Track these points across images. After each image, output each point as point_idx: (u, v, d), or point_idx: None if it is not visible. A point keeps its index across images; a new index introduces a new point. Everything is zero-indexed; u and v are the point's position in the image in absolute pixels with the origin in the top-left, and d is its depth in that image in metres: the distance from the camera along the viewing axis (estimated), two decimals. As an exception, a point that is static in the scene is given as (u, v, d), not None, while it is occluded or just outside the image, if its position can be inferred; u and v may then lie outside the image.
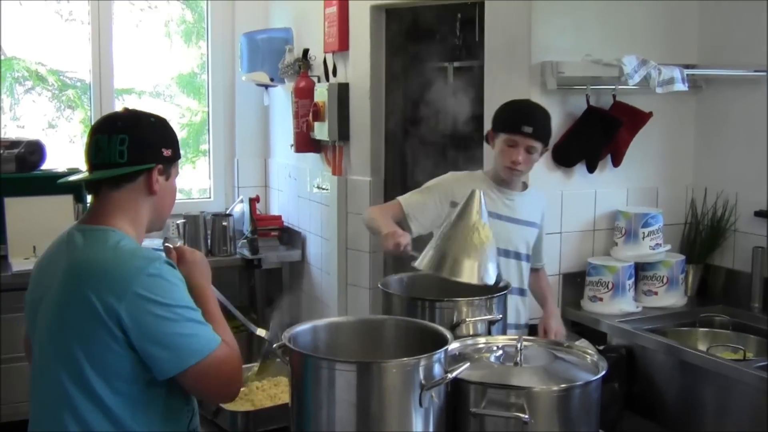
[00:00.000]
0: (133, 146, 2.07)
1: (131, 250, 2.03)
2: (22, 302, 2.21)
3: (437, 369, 1.98)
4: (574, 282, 3.95)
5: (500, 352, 2.31)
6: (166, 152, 2.13)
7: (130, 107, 2.21)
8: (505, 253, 3.20)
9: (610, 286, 3.79)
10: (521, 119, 3.18)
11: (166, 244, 2.20)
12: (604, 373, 2.17)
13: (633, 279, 3.87)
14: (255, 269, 5.41)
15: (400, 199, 3.30)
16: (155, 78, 6.19)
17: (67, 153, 5.70)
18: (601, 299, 3.83)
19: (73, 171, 4.66)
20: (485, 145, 3.97)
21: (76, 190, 4.81)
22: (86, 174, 2.12)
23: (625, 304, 3.81)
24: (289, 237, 5.68)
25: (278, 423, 2.40)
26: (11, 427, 4.59)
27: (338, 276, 4.84)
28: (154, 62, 6.10)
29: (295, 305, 5.43)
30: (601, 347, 3.70)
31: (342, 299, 4.81)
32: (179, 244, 2.23)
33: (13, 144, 5.14)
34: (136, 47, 5.94)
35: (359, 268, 4.72)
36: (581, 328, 3.88)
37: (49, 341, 2.04)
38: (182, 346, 1.96)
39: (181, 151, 2.24)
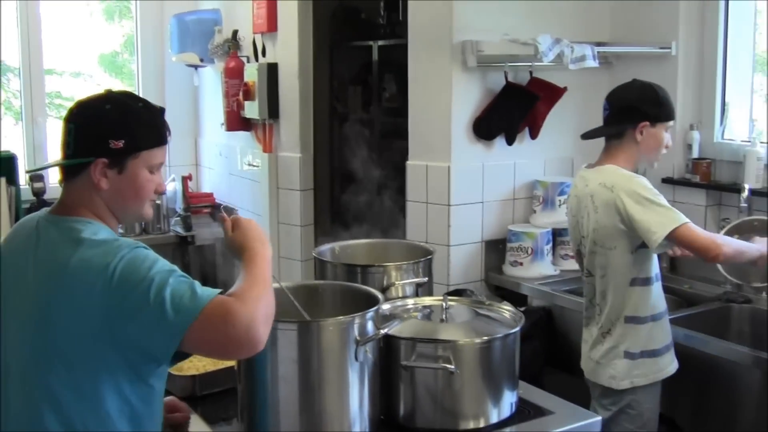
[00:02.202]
0: (77, 137, 1.98)
1: (98, 242, 1.90)
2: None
3: (370, 326, 2.16)
4: (496, 248, 4.17)
5: (427, 310, 2.52)
6: (115, 144, 1.95)
7: (114, 90, 2.08)
8: None
9: (529, 251, 4.02)
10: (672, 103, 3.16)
11: (221, 214, 2.20)
12: (521, 325, 2.38)
13: (551, 244, 4.10)
14: (189, 245, 5.52)
15: (687, 221, 2.91)
16: (79, 58, 6.12)
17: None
18: (521, 264, 4.05)
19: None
20: (411, 123, 4.16)
21: (8, 173, 4.83)
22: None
23: (544, 267, 4.04)
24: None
25: (224, 385, 2.55)
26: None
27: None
28: (77, 41, 6.04)
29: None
30: (522, 309, 3.93)
31: (275, 271, 4.93)
32: (234, 214, 2.20)
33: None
34: (57, 26, 5.86)
35: (291, 240, 4.89)
36: (503, 291, 4.10)
37: (31, 342, 1.91)
38: (165, 323, 1.81)
39: (165, 138, 2.06)
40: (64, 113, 2.10)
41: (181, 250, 5.63)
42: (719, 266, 3.35)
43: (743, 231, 3.22)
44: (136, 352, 1.87)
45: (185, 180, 5.67)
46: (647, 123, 3.05)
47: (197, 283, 1.87)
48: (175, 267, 1.91)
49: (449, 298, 2.51)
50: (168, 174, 6.05)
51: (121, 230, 5.42)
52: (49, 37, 5.79)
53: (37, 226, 2.02)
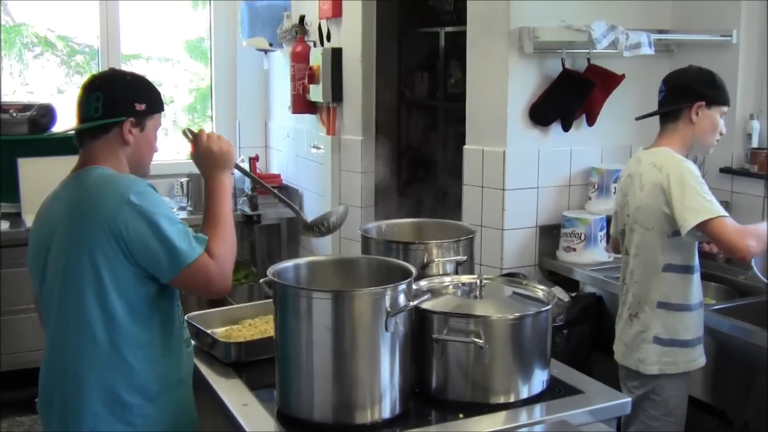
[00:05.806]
0: (106, 102, 2.34)
1: (115, 175, 2.30)
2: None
3: (401, 298, 2.24)
4: (551, 234, 4.21)
5: (463, 287, 2.59)
6: (139, 106, 2.36)
7: (120, 68, 2.45)
8: None
9: (582, 237, 4.05)
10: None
11: (187, 129, 2.50)
12: (551, 305, 2.44)
13: (604, 230, 4.09)
14: (255, 225, 5.67)
15: (723, 215, 2.90)
16: (163, 43, 6.33)
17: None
18: (574, 249, 4.08)
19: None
20: (469, 108, 4.21)
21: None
22: (70, 128, 2.44)
23: (597, 254, 4.06)
24: (288, 194, 5.92)
25: (267, 354, 2.65)
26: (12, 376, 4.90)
27: (332, 229, 5.10)
28: (163, 27, 6.25)
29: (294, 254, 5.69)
30: (573, 294, 3.97)
31: (336, 251, 5.07)
32: (198, 129, 2.49)
33: (26, 107, 5.38)
34: (144, 13, 6.08)
35: (351, 221, 4.95)
36: (556, 276, 4.15)
37: (66, 269, 2.27)
38: (167, 256, 2.22)
39: (164, 105, 2.49)
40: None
41: (247, 228, 5.78)
42: (755, 269, 3.34)
43: None
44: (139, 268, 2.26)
45: (252, 161, 5.83)
46: (703, 103, 3.07)
47: (190, 232, 2.27)
48: (170, 211, 2.29)
49: (485, 276, 2.57)
50: (238, 155, 6.22)
51: (191, 207, 5.56)
52: (135, 22, 6.00)
53: (62, 186, 2.42)
